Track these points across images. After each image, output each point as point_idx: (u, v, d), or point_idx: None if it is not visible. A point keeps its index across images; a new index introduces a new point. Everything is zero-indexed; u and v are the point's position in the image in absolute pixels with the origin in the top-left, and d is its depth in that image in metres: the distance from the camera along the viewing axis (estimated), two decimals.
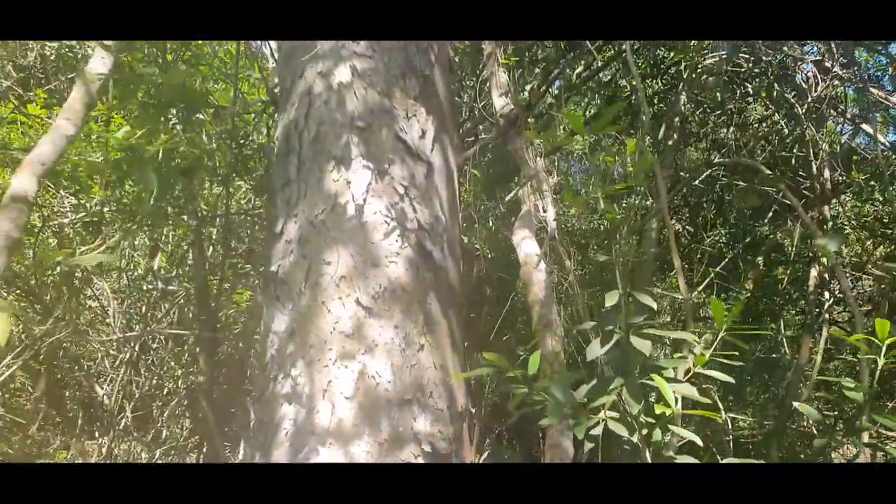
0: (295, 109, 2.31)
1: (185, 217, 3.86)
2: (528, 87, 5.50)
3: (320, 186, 2.16)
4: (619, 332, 1.42)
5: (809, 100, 4.26)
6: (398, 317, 2.01)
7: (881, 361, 1.52)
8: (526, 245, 2.16)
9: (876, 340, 1.53)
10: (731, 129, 5.57)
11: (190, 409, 4.07)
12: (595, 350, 1.46)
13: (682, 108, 5.32)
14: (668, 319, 6.18)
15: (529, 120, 5.38)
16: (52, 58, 6.33)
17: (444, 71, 2.60)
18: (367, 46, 2.31)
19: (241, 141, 3.99)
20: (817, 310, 5.21)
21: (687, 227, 6.44)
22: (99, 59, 1.70)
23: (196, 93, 2.56)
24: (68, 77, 6.66)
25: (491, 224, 4.94)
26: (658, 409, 1.33)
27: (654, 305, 1.50)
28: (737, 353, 1.47)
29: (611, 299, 1.47)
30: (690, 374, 1.44)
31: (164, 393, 4.43)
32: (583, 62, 5.14)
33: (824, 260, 4.92)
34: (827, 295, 5.14)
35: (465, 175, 3.71)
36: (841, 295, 5.00)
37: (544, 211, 2.16)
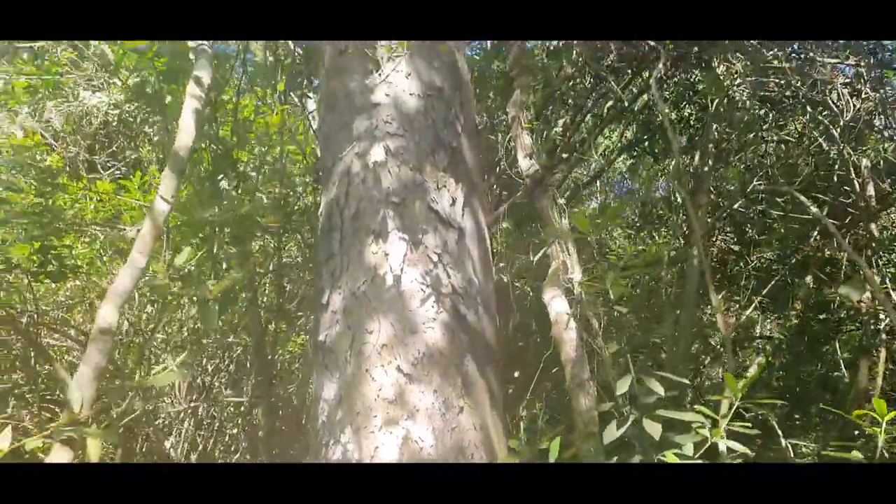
0: (336, 188, 2.49)
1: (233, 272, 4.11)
2: (560, 122, 5.61)
3: (361, 259, 2.33)
4: (635, 414, 1.52)
5: (842, 123, 4.23)
6: (437, 381, 2.15)
7: (881, 438, 1.55)
8: (556, 304, 2.26)
9: (876, 416, 1.57)
10: (768, 148, 5.54)
11: (251, 456, 4.28)
12: (612, 433, 1.56)
13: (716, 133, 5.33)
14: (717, 345, 6.10)
15: (564, 155, 5.48)
16: (113, 123, 6.79)
17: (470, 136, 2.76)
18: (398, 126, 2.48)
19: (288, 192, 4.24)
20: (874, 326, 5.08)
21: (732, 245, 6.39)
22: (162, 202, 1.92)
23: (246, 219, 2.84)
24: (131, 138, 7.12)
25: (532, 258, 5.04)
26: None
27: (662, 391, 1.57)
28: (750, 424, 1.54)
29: (623, 386, 1.57)
30: (707, 446, 1.51)
31: (226, 440, 4.67)
32: (612, 96, 5.22)
33: (877, 275, 4.82)
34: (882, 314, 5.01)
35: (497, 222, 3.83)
36: None
37: (571, 271, 2.27)
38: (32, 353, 4.15)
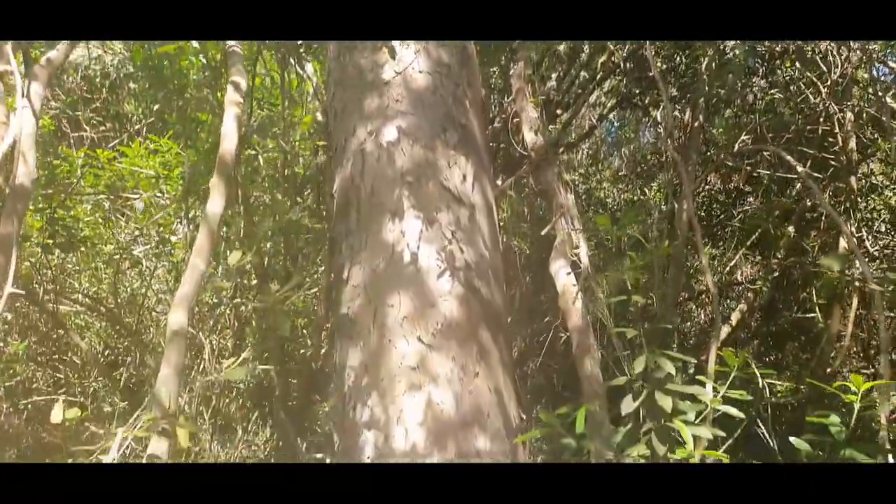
0: (350, 166, 2.60)
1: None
2: (552, 80, 5.66)
3: (379, 237, 2.46)
4: (648, 387, 1.71)
5: (829, 81, 4.36)
6: (455, 349, 2.33)
7: (857, 406, 1.77)
8: (562, 276, 2.43)
9: (852, 386, 1.78)
10: (756, 102, 5.67)
11: (268, 415, 4.48)
12: (628, 405, 1.76)
13: (706, 86, 5.42)
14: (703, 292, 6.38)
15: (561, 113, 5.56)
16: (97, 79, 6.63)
17: (478, 113, 2.85)
18: (410, 104, 2.57)
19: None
20: (848, 275, 5.34)
21: (718, 195, 6.62)
22: (216, 200, 2.01)
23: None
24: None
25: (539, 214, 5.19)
26: (679, 454, 1.62)
27: (673, 370, 1.76)
28: (744, 392, 1.75)
29: (639, 365, 1.76)
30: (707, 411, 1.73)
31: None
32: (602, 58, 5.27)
33: (853, 225, 5.07)
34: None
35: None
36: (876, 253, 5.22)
37: (577, 247, 2.43)
38: (45, 321, 4.28)
